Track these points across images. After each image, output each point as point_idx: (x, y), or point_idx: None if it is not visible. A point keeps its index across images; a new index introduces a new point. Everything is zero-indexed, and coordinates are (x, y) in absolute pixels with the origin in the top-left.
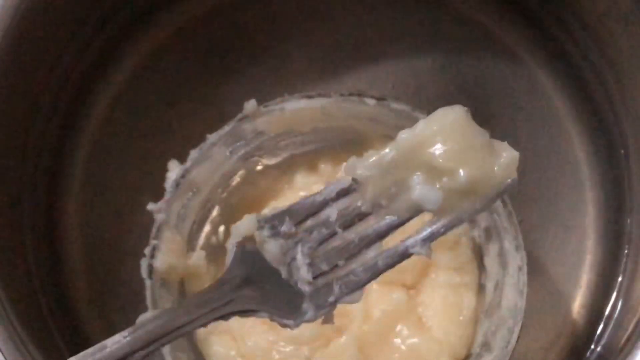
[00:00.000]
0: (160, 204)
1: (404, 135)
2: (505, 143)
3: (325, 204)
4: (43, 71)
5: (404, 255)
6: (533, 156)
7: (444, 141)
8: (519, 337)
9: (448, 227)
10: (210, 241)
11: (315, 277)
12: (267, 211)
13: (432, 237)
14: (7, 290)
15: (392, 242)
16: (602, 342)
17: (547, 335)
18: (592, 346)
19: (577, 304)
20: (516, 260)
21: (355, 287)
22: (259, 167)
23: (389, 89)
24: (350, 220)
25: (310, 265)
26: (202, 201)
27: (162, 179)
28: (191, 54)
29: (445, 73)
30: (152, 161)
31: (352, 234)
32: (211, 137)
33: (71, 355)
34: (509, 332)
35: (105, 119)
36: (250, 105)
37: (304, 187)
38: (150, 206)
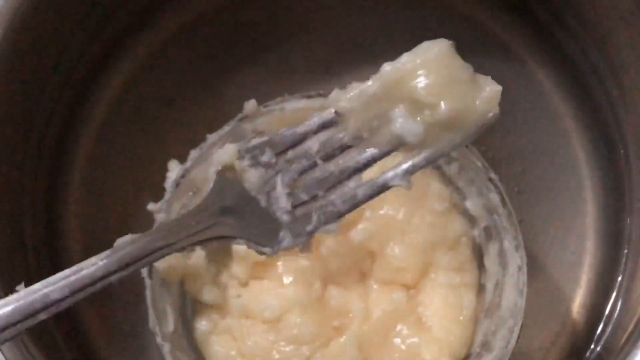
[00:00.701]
0: (160, 204)
1: (387, 67)
2: (489, 77)
3: (306, 135)
4: (43, 72)
5: (384, 187)
6: (533, 156)
7: (426, 74)
8: (519, 337)
9: (428, 161)
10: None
11: (294, 207)
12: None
13: (412, 170)
14: (7, 290)
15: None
16: (602, 342)
17: (547, 335)
18: (592, 346)
19: (577, 304)
20: (516, 260)
21: (334, 217)
22: None
23: None
24: (332, 152)
25: (290, 194)
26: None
27: (162, 179)
28: (191, 54)
29: None
30: (152, 161)
31: (333, 166)
32: (211, 137)
33: (71, 355)
34: (509, 332)
35: (105, 119)
36: (250, 105)
37: None
38: (151, 206)
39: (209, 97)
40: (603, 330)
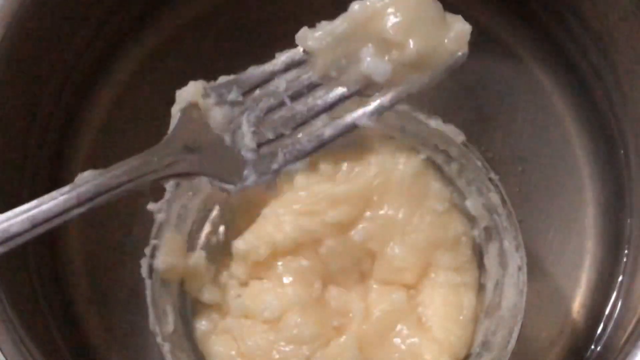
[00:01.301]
0: (161, 203)
1: (356, 6)
2: (459, 16)
3: (274, 74)
4: (43, 72)
5: (351, 126)
6: (533, 156)
7: (395, 13)
8: (519, 337)
9: (395, 100)
10: (210, 241)
11: (259, 145)
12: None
13: (379, 110)
14: (7, 290)
15: None
16: (602, 341)
17: (547, 335)
18: (592, 346)
19: (577, 304)
20: (516, 260)
21: (300, 155)
22: None
23: None
24: (299, 91)
25: (255, 133)
26: (202, 201)
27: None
28: (191, 54)
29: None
30: None
31: (300, 105)
32: None
33: (71, 355)
34: (509, 332)
35: (105, 119)
36: None
37: (304, 187)
38: (151, 206)
39: None
40: (603, 330)
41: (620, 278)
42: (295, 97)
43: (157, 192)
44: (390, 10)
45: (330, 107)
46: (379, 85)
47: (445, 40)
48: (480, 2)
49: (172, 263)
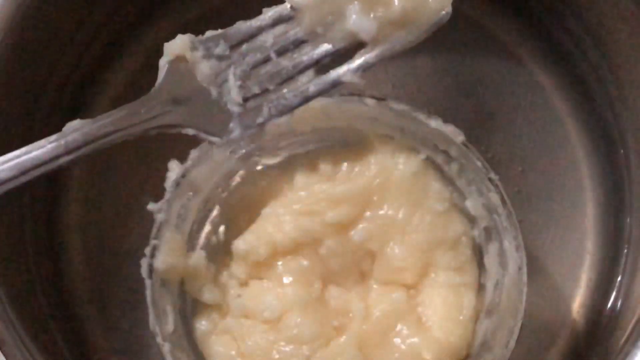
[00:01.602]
0: (161, 203)
1: None
2: None
3: (261, 29)
4: (43, 72)
5: (335, 82)
6: (533, 156)
7: None
8: (518, 337)
9: (380, 57)
10: (210, 241)
11: (245, 99)
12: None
13: (363, 66)
14: (7, 290)
15: None
16: (602, 341)
17: (547, 335)
18: (592, 346)
19: (577, 304)
20: (516, 260)
21: (285, 110)
22: (259, 167)
23: (389, 89)
24: (286, 46)
25: (242, 87)
26: (202, 201)
27: (162, 179)
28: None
29: (445, 73)
30: (152, 161)
31: (286, 60)
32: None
33: (71, 355)
34: (509, 332)
35: None
36: None
37: (304, 187)
38: (151, 206)
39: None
40: (603, 330)
41: (619, 278)
42: (282, 52)
43: (157, 192)
44: None
45: (315, 63)
46: (364, 42)
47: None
48: (480, 2)
49: (172, 263)
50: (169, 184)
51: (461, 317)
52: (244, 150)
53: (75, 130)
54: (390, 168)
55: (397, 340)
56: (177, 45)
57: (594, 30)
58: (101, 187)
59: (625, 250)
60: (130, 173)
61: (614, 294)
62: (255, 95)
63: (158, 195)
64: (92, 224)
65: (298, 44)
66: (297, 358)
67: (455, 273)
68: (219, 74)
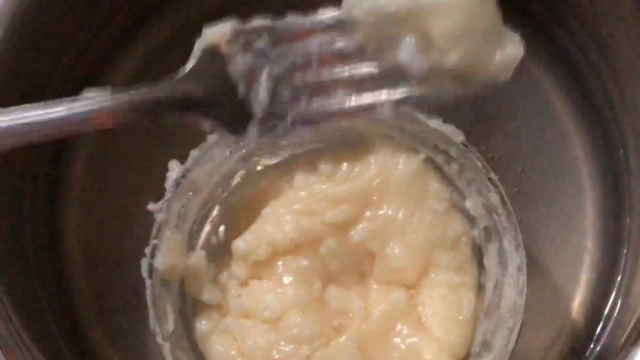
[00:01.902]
0: (161, 203)
1: None
2: (516, 36)
3: (310, 31)
4: (43, 72)
5: (368, 108)
6: (533, 156)
7: (450, 14)
8: (519, 337)
9: (422, 99)
10: (210, 241)
11: (271, 103)
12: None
13: (403, 102)
14: (7, 290)
15: None
16: (602, 341)
17: (547, 335)
18: (592, 346)
19: (577, 304)
20: (516, 259)
21: (309, 123)
22: (259, 168)
23: None
24: (329, 57)
25: (272, 90)
26: (202, 201)
27: (162, 179)
28: (191, 54)
29: None
30: (152, 162)
31: (326, 72)
32: (211, 137)
33: (71, 355)
34: (508, 332)
35: None
36: None
37: (304, 187)
38: (151, 206)
39: None
40: (603, 330)
41: (619, 278)
42: (324, 62)
43: (157, 192)
44: (446, 9)
45: (354, 84)
46: (409, 79)
47: (492, 61)
48: None
49: (172, 263)
50: (169, 184)
51: (461, 317)
52: (244, 150)
53: (89, 98)
54: (390, 168)
55: (397, 340)
56: (217, 33)
57: (593, 30)
58: (101, 187)
59: (625, 250)
60: (130, 174)
61: (614, 294)
62: (283, 102)
63: (158, 196)
64: (92, 224)
65: (342, 58)
66: (297, 358)
67: (455, 273)
68: (252, 71)
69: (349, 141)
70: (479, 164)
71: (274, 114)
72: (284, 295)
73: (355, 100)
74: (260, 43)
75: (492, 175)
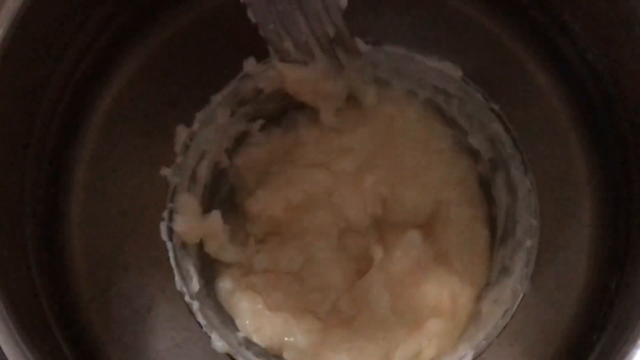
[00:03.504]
0: (173, 167)
1: None
2: None
3: None
4: (44, 72)
5: None
6: (532, 156)
7: None
8: (518, 337)
9: None
10: (223, 203)
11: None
12: None
13: None
14: (8, 289)
15: None
16: (602, 341)
17: (547, 335)
18: (592, 346)
19: (577, 304)
20: (525, 183)
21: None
22: (263, 127)
23: None
24: None
25: None
26: (212, 164)
27: (163, 179)
28: (191, 54)
29: None
30: (152, 162)
31: None
32: (214, 98)
33: (71, 355)
34: (527, 253)
35: (105, 119)
36: (250, 63)
37: (309, 141)
38: (164, 171)
39: (209, 97)
40: (603, 330)
41: (619, 278)
42: None
43: (157, 192)
44: None
45: None
46: None
47: None
48: (480, 2)
49: (190, 225)
50: (178, 148)
51: (477, 248)
52: (244, 111)
53: None
54: (392, 114)
55: (419, 277)
56: None
57: (592, 30)
58: (102, 187)
59: (625, 250)
60: (130, 173)
61: (614, 294)
62: None
63: (158, 196)
64: (93, 223)
65: None
66: (324, 304)
67: (466, 207)
68: None
69: (348, 92)
70: (479, 96)
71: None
72: (303, 247)
73: None
74: None
75: (494, 105)
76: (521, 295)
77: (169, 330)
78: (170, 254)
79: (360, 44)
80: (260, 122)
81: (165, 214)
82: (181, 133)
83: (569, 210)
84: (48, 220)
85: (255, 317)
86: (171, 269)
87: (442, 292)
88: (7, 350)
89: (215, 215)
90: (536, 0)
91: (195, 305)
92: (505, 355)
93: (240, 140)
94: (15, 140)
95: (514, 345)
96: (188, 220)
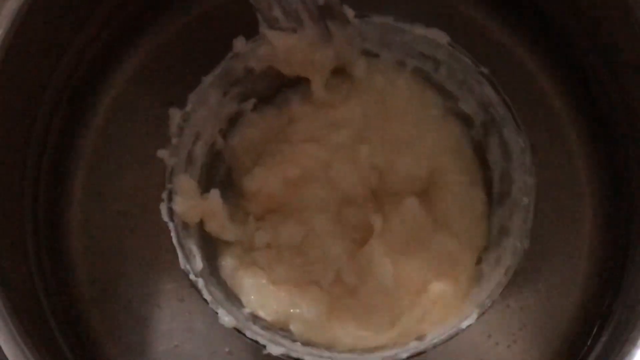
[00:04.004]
0: (169, 149)
1: None
2: None
3: None
4: (44, 72)
5: None
6: (532, 156)
7: None
8: (518, 338)
9: None
10: (221, 182)
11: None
12: None
13: None
14: (8, 289)
15: None
16: (602, 341)
17: (547, 335)
18: (592, 346)
19: (577, 304)
20: (518, 143)
21: None
22: (256, 107)
23: None
24: None
25: None
26: (207, 144)
27: (163, 179)
28: (191, 54)
29: None
30: (152, 161)
31: None
32: (206, 79)
33: (72, 355)
34: (525, 211)
35: (105, 119)
36: (239, 42)
37: (302, 117)
38: (160, 153)
39: None
40: (602, 330)
41: (619, 278)
42: None
43: (157, 192)
44: None
45: None
46: None
47: None
48: (480, 2)
49: (189, 204)
50: (173, 130)
51: (474, 212)
52: (237, 91)
53: None
54: (382, 85)
55: (418, 243)
56: None
57: (593, 30)
58: (102, 187)
59: (626, 250)
60: (130, 173)
61: (614, 294)
62: None
63: (159, 196)
64: (93, 223)
65: None
66: (327, 275)
67: (461, 173)
68: None
69: (337, 65)
70: (467, 60)
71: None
72: (303, 221)
73: None
74: None
75: (483, 69)
76: (521, 252)
77: (169, 330)
78: (173, 234)
79: (349, 12)
80: (252, 101)
81: (164, 195)
82: (175, 115)
83: (569, 211)
84: (48, 220)
85: (260, 292)
86: (171, 268)
87: (443, 256)
88: (7, 350)
89: (214, 194)
90: (536, 0)
91: (200, 282)
92: (506, 355)
93: (235, 120)
94: (16, 140)
95: (514, 346)
96: (187, 200)
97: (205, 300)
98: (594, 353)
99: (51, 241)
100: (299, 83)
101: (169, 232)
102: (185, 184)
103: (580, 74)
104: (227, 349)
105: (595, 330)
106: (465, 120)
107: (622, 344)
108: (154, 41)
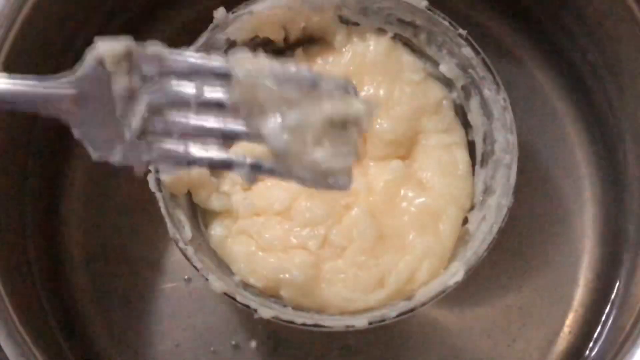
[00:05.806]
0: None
1: (305, 73)
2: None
3: (195, 72)
4: (46, 72)
5: (226, 164)
6: (532, 156)
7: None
8: (517, 339)
9: (274, 173)
10: None
11: (143, 132)
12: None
13: (257, 171)
14: (8, 289)
15: None
16: (601, 341)
17: (546, 335)
18: (591, 346)
19: (577, 304)
20: (499, 102)
21: (171, 163)
22: None
23: None
24: (206, 102)
25: (146, 119)
26: None
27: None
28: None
29: None
30: None
31: (203, 116)
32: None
33: (72, 355)
34: (506, 168)
35: None
36: (220, 13)
37: None
38: None
39: None
40: (602, 330)
41: (619, 278)
42: (201, 106)
43: None
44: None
45: (223, 138)
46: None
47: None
48: (481, 3)
49: (178, 175)
50: None
51: (458, 172)
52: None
53: None
54: (363, 52)
55: (404, 204)
56: (109, 48)
57: (593, 30)
58: (102, 187)
59: (625, 251)
60: (131, 174)
61: (612, 293)
62: (153, 133)
63: None
64: (93, 223)
65: (221, 107)
66: (314, 239)
67: (443, 134)
68: (133, 94)
69: (315, 37)
70: (446, 23)
71: (142, 143)
72: (288, 187)
73: (215, 155)
74: (150, 68)
75: (461, 31)
76: (506, 209)
77: (169, 330)
78: (161, 204)
79: None
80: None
81: (152, 167)
82: None
83: (568, 210)
84: (48, 220)
85: (249, 259)
86: (172, 268)
87: (427, 216)
88: (7, 350)
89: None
90: (536, 0)
91: (190, 250)
92: (505, 355)
93: None
94: (16, 139)
95: (514, 346)
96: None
97: (195, 267)
98: (594, 353)
99: (50, 240)
100: (280, 53)
101: (169, 232)
102: None
103: (580, 74)
104: (225, 348)
105: (595, 330)
106: (447, 83)
107: (622, 344)
108: (154, 40)
